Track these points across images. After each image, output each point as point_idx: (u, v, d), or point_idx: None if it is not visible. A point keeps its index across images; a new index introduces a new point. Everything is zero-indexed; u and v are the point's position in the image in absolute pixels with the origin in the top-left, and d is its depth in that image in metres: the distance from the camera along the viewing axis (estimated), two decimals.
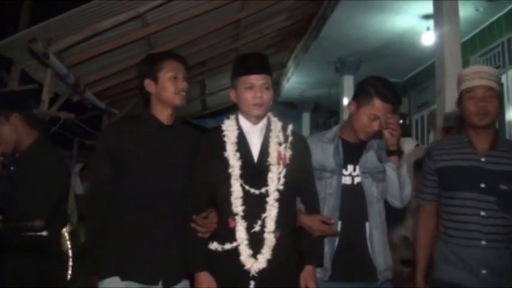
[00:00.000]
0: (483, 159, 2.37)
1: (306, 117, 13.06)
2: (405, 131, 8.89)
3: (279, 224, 2.30)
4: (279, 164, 2.38)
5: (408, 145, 3.73)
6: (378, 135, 2.65)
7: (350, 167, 2.65)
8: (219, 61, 7.63)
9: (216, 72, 8.30)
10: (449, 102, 4.52)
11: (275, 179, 2.35)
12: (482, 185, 2.34)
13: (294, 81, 10.53)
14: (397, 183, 2.61)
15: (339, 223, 2.59)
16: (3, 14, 7.84)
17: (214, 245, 2.33)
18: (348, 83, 8.63)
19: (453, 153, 2.47)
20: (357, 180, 2.64)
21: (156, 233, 2.32)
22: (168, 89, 2.44)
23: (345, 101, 8.43)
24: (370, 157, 2.66)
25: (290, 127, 2.50)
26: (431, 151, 2.56)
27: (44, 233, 2.36)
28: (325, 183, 2.63)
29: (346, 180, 2.65)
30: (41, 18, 4.52)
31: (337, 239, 2.59)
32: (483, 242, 2.32)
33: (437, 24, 4.94)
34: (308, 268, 2.41)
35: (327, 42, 7.51)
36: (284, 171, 2.37)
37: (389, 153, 2.60)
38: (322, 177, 2.64)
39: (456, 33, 4.75)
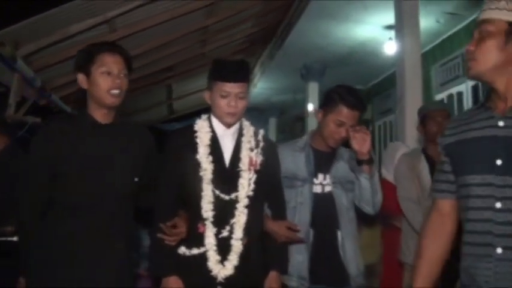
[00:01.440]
0: (501, 124, 1.67)
1: (272, 123, 13.22)
2: None
3: (247, 231, 2.29)
4: (249, 170, 2.35)
5: (402, 150, 3.68)
6: (346, 143, 2.61)
7: (320, 176, 2.66)
8: (187, 66, 7.70)
9: (184, 77, 8.36)
10: (409, 110, 4.70)
11: (246, 185, 2.32)
12: (499, 162, 1.64)
13: (260, 87, 10.67)
14: (371, 190, 2.59)
15: (311, 231, 2.59)
16: None
17: (181, 250, 2.29)
18: (313, 89, 8.82)
19: (465, 124, 1.78)
20: (327, 189, 2.65)
21: (91, 240, 2.16)
22: (100, 86, 2.22)
23: (310, 106, 8.62)
24: (340, 167, 2.67)
25: (261, 132, 2.47)
26: (446, 127, 1.93)
27: (15, 239, 2.34)
28: (295, 191, 2.63)
29: (317, 189, 2.66)
30: (7, 21, 4.54)
31: (310, 248, 2.59)
32: (498, 251, 1.61)
33: (398, 35, 5.14)
34: (272, 274, 2.39)
35: (292, 49, 7.67)
36: (254, 177, 2.35)
37: (360, 162, 2.54)
38: (293, 186, 2.64)
39: (416, 43, 4.95)
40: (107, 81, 2.20)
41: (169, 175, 2.33)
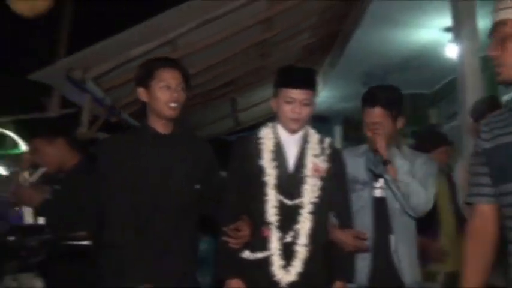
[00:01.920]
0: None
1: (337, 130, 13.19)
2: None
3: (311, 237, 2.30)
4: (314, 176, 2.35)
5: None
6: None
7: (381, 180, 2.65)
8: (248, 79, 7.88)
9: (246, 89, 8.55)
10: None
11: (310, 191, 2.32)
12: None
13: (323, 96, 10.71)
14: (399, 193, 2.54)
15: (371, 237, 2.57)
16: (40, 40, 8.31)
17: (246, 253, 2.32)
18: None
19: (498, 127, 1.72)
20: (381, 192, 2.65)
21: (155, 246, 2.29)
22: (160, 99, 2.35)
23: None
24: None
25: (327, 140, 2.48)
26: (481, 128, 1.85)
27: (87, 242, 2.55)
28: (356, 195, 2.63)
29: (377, 193, 2.66)
30: (78, 46, 4.87)
31: (369, 254, 2.58)
32: None
33: (457, 37, 5.06)
34: (338, 284, 2.37)
35: (353, 57, 7.68)
36: (319, 184, 2.36)
37: (384, 162, 2.51)
38: (355, 190, 2.63)
39: (475, 45, 4.83)
40: (165, 95, 2.34)
41: (233, 180, 2.40)
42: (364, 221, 2.60)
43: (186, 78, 2.44)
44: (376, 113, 2.55)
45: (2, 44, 9.50)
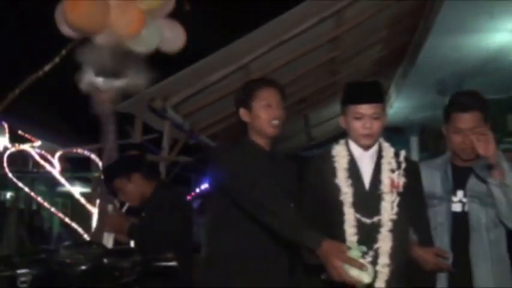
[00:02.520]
0: None
1: (413, 141, 12.95)
2: None
3: (392, 256, 2.19)
4: (392, 192, 2.26)
5: None
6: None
7: (460, 193, 2.54)
8: (319, 96, 8.02)
9: (318, 106, 8.68)
10: None
11: (388, 209, 2.23)
12: None
13: (397, 107, 10.61)
14: (504, 199, 2.37)
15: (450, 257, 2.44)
16: None
17: (325, 275, 2.16)
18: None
19: None
20: (467, 207, 2.51)
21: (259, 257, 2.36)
22: (261, 118, 2.41)
23: None
24: (472, 182, 2.51)
25: (403, 153, 2.37)
26: None
27: (174, 263, 2.75)
28: (434, 211, 2.53)
29: (456, 208, 2.54)
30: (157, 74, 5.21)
31: (446, 275, 2.46)
32: None
33: None
34: None
35: (425, 66, 7.59)
36: (397, 200, 2.25)
37: (490, 168, 2.38)
38: (432, 205, 2.53)
39: None
40: (267, 113, 2.41)
41: (309, 200, 2.35)
42: (443, 239, 2.51)
43: (284, 96, 2.51)
44: (474, 118, 2.45)
45: None
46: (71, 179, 11.47)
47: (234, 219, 2.38)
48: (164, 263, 2.74)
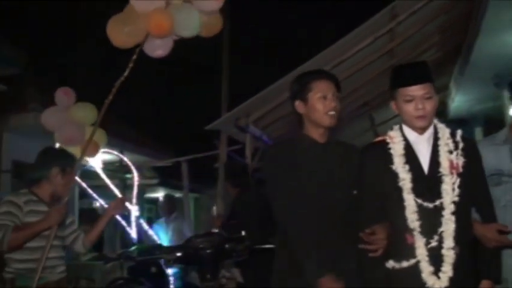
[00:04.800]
0: None
1: (478, 132, 13.22)
2: None
3: (457, 239, 2.15)
4: (452, 174, 2.20)
5: None
6: None
7: None
8: (381, 98, 8.68)
9: (380, 107, 9.35)
10: None
11: (449, 191, 2.18)
12: None
13: (458, 100, 11.02)
14: None
15: None
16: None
17: (390, 263, 2.21)
18: (507, 98, 8.99)
19: None
20: None
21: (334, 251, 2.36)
22: (318, 109, 2.41)
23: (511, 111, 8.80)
24: None
25: (459, 132, 2.31)
26: None
27: (272, 246, 3.05)
28: (504, 188, 2.53)
29: None
30: (237, 94, 6.13)
31: None
32: None
33: None
34: (485, 283, 2.24)
35: (480, 63, 8.04)
36: (458, 181, 2.20)
37: None
38: (501, 182, 2.54)
39: None
40: (323, 105, 2.41)
41: (368, 189, 2.32)
42: None
43: (339, 87, 2.50)
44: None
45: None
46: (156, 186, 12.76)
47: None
48: (266, 246, 3.62)
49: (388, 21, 5.59)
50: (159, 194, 13.58)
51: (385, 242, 2.22)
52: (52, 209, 3.13)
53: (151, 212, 13.99)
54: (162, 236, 6.64)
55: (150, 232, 5.84)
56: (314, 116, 2.44)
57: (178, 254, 3.19)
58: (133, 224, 5.38)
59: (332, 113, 2.43)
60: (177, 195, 13.21)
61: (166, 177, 12.32)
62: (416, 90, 2.20)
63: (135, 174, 5.74)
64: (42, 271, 3.00)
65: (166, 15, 3.21)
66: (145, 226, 5.78)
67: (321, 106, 2.42)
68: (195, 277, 3.48)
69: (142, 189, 11.69)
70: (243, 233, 3.54)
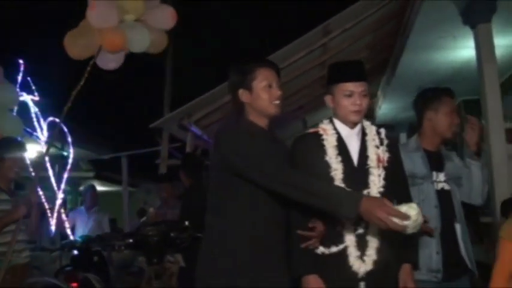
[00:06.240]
0: None
1: (403, 137, 14.05)
2: None
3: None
4: (378, 166, 2.35)
5: None
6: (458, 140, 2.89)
7: (434, 174, 2.78)
8: (314, 103, 9.30)
9: (313, 110, 9.99)
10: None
11: (376, 182, 2.32)
12: None
13: (385, 108, 11.76)
14: (482, 179, 2.71)
15: (438, 227, 2.68)
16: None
17: (320, 249, 2.32)
18: None
19: None
20: (440, 186, 2.78)
21: (265, 238, 2.33)
22: (263, 98, 2.37)
23: None
24: (451, 164, 2.82)
25: (383, 131, 2.47)
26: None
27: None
28: (417, 189, 2.71)
29: (439, 187, 2.78)
30: (179, 95, 6.52)
31: (439, 242, 2.69)
32: None
33: (477, 58, 5.99)
34: (406, 267, 2.37)
35: (404, 76, 8.74)
36: (383, 173, 2.35)
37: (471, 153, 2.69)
38: (414, 183, 2.70)
39: (493, 69, 5.81)
40: (269, 93, 2.37)
41: None
42: (430, 211, 2.66)
43: (280, 75, 2.48)
44: (455, 104, 2.64)
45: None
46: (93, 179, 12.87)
47: (239, 199, 2.35)
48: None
49: (321, 36, 6.11)
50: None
51: (323, 233, 2.29)
52: (20, 201, 3.51)
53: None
54: (80, 224, 6.68)
55: (66, 221, 5.97)
56: (260, 105, 2.39)
57: (130, 241, 3.57)
58: (55, 215, 5.57)
59: (277, 102, 2.42)
60: (112, 188, 13.42)
61: (102, 170, 12.47)
62: (356, 86, 2.32)
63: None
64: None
65: (119, 33, 3.53)
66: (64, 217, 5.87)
67: (266, 95, 2.38)
68: (142, 261, 3.82)
69: (77, 181, 11.81)
70: (187, 223, 3.96)
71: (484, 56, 5.89)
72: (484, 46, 5.89)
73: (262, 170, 2.19)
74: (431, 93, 2.88)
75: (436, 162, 2.75)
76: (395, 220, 1.96)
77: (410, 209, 2.01)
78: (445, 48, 7.66)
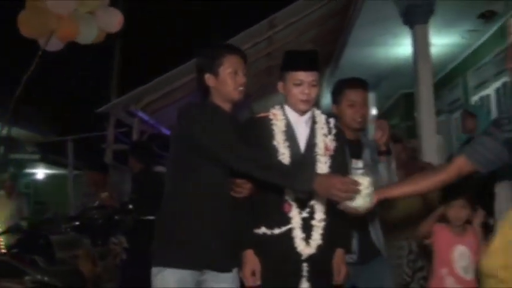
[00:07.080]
0: None
1: None
2: None
3: (326, 212, 2.34)
4: (325, 154, 2.38)
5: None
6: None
7: (354, 161, 2.79)
8: (261, 91, 9.55)
9: (260, 98, 10.24)
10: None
11: (323, 169, 2.34)
12: None
13: (329, 97, 12.23)
14: (387, 179, 2.73)
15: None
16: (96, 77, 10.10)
17: (262, 230, 2.34)
18: (371, 99, 10.24)
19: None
20: (359, 172, 2.71)
21: (222, 221, 2.38)
22: (228, 84, 2.40)
23: (374, 112, 10.06)
24: (366, 154, 2.84)
25: (332, 120, 2.50)
26: (500, 120, 2.22)
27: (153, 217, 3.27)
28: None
29: (358, 172, 2.71)
30: (128, 77, 6.57)
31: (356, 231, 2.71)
32: None
33: (414, 56, 6.37)
34: (339, 252, 2.43)
35: (347, 68, 9.14)
36: (330, 162, 2.39)
37: (380, 153, 2.72)
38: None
39: (428, 67, 6.18)
40: (234, 80, 2.41)
41: None
42: None
43: (246, 62, 2.52)
44: (367, 97, 2.78)
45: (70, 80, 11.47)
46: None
47: (196, 174, 2.39)
48: (150, 217, 4.24)
49: (267, 29, 6.34)
50: (39, 170, 13.55)
51: (249, 190, 2.36)
52: None
53: (29, 187, 13.84)
54: None
55: None
56: (224, 90, 2.43)
57: (76, 223, 3.74)
58: None
59: (242, 88, 2.46)
60: (57, 171, 13.29)
61: (48, 153, 12.36)
62: (306, 76, 2.34)
63: None
64: None
65: (74, 24, 3.71)
66: None
67: (231, 81, 2.42)
68: (87, 243, 3.97)
69: (22, 164, 11.69)
70: (131, 206, 4.15)
71: (419, 54, 6.32)
72: (420, 45, 6.30)
73: (229, 147, 2.26)
74: (336, 86, 2.98)
75: (354, 150, 2.77)
76: (348, 194, 2.09)
77: (362, 179, 2.14)
78: (386, 45, 8.11)
